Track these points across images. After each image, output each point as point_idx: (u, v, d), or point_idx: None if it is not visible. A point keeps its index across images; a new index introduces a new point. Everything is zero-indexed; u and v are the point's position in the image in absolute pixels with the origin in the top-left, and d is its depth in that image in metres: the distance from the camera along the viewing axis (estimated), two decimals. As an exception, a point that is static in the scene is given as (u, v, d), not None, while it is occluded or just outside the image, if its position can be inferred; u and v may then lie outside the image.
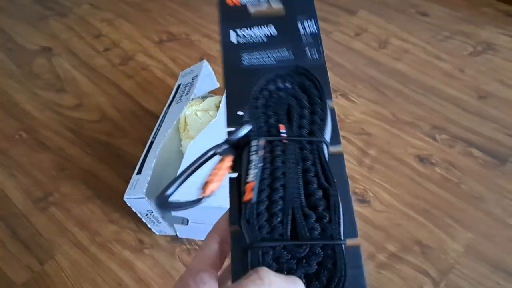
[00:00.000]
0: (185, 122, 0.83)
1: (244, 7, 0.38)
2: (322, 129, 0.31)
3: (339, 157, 0.31)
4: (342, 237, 0.26)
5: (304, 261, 0.26)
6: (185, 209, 0.28)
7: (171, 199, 0.28)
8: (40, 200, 0.86)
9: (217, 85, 0.91)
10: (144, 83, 1.09)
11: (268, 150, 0.30)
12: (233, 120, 0.32)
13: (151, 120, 0.98)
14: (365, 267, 0.27)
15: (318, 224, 0.27)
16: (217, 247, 0.28)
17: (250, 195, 0.27)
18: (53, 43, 1.23)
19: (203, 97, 0.89)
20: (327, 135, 0.31)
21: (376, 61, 1.10)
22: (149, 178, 0.68)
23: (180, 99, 0.83)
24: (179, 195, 0.28)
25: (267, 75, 0.33)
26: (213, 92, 0.93)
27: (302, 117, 0.32)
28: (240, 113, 0.32)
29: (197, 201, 0.28)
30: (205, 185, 0.28)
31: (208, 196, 0.28)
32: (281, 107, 0.32)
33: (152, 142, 0.77)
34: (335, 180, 0.28)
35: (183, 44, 1.19)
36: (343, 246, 0.26)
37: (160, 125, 0.80)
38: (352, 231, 0.28)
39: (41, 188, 0.88)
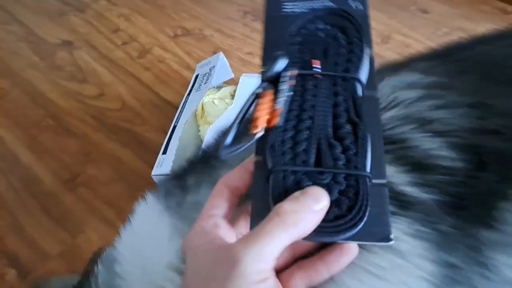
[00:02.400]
0: (202, 109, 0.90)
1: None
2: (357, 68, 0.31)
3: (374, 100, 0.30)
4: (366, 169, 0.26)
5: (326, 189, 0.25)
6: (243, 148, 0.28)
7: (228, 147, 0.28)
8: (68, 181, 0.93)
9: (232, 75, 0.98)
10: (162, 75, 1.15)
11: (300, 83, 0.30)
12: (268, 61, 0.32)
13: (169, 109, 1.05)
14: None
15: (343, 155, 0.27)
16: (227, 194, 0.29)
17: (276, 120, 0.28)
18: (74, 37, 1.30)
19: (218, 87, 0.96)
20: (363, 76, 0.31)
21: (380, 55, 1.17)
22: (174, 157, 0.75)
23: (199, 87, 0.90)
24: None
25: (307, 14, 0.33)
26: (227, 83, 1.00)
27: (338, 55, 0.31)
28: (278, 53, 0.32)
29: (252, 138, 0.28)
30: (254, 121, 0.28)
31: (260, 131, 0.28)
32: (318, 45, 0.32)
33: (175, 126, 0.84)
34: (364, 114, 0.28)
35: (196, 39, 1.26)
36: (367, 179, 0.26)
37: (181, 111, 0.88)
38: (379, 173, 0.27)
39: (69, 170, 0.95)
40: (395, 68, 0.36)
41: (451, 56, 0.39)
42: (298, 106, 0.29)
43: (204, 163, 0.38)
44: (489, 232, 0.29)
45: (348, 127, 0.28)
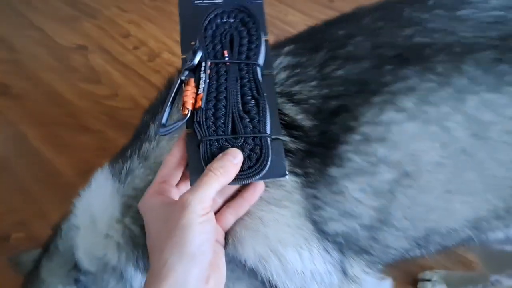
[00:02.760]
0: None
1: None
2: (256, 55, 0.39)
3: (270, 77, 0.40)
4: (267, 132, 0.36)
5: (240, 148, 0.35)
6: (177, 126, 0.36)
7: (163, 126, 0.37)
8: (87, 173, 1.02)
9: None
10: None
11: (215, 70, 0.38)
12: (186, 49, 0.40)
13: (178, 108, 1.14)
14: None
15: (250, 123, 0.36)
16: (179, 156, 0.38)
17: (199, 103, 0.36)
18: (87, 41, 1.39)
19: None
20: (261, 60, 0.40)
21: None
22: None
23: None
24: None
25: (214, 10, 0.41)
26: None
27: (241, 45, 0.40)
28: (192, 43, 0.40)
29: (183, 118, 0.36)
30: (183, 105, 0.36)
31: (188, 113, 0.36)
32: (225, 36, 0.40)
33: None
34: (265, 94, 0.38)
35: (202, 44, 1.36)
36: (268, 138, 0.36)
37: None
38: (277, 130, 0.37)
39: (86, 163, 1.04)
40: (276, 52, 0.46)
41: (309, 38, 0.49)
42: (215, 89, 0.38)
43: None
44: (336, 169, 0.40)
45: (252, 102, 0.37)
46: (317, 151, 0.41)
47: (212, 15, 0.40)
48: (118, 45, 1.37)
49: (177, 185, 0.39)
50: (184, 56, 0.40)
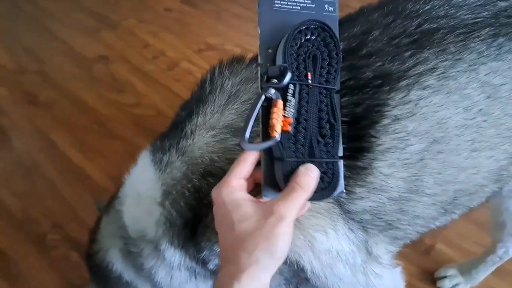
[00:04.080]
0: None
1: None
2: (335, 79, 0.40)
3: (338, 96, 0.41)
4: (338, 156, 0.39)
5: None
6: (265, 146, 0.37)
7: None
8: (115, 178, 1.07)
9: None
10: (191, 85, 1.30)
11: (297, 90, 0.39)
12: (265, 56, 0.40)
13: (200, 115, 1.20)
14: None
15: (325, 147, 0.39)
16: (255, 158, 0.39)
17: (287, 127, 0.37)
18: (108, 52, 1.45)
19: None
20: (338, 83, 0.41)
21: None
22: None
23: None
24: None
25: (298, 25, 0.39)
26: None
27: (322, 67, 0.40)
28: (270, 50, 0.40)
29: (273, 140, 0.37)
30: (271, 127, 0.37)
31: (278, 135, 0.37)
32: (308, 56, 0.40)
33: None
34: (339, 118, 0.39)
35: (219, 53, 1.41)
36: (339, 163, 0.39)
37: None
38: (341, 151, 0.40)
39: (115, 168, 1.10)
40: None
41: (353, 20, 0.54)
42: (297, 110, 0.39)
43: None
44: (365, 154, 0.46)
45: (327, 126, 0.39)
46: (344, 145, 0.45)
47: (296, 31, 0.40)
48: (138, 55, 1.43)
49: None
50: (261, 63, 0.40)
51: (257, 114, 0.38)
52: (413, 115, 0.46)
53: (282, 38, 0.40)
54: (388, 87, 0.47)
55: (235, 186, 0.38)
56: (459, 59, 0.48)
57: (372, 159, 0.46)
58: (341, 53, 0.41)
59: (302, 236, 0.46)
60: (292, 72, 0.39)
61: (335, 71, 0.40)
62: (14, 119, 1.24)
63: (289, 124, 0.37)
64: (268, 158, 0.39)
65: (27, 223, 1.01)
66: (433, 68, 0.47)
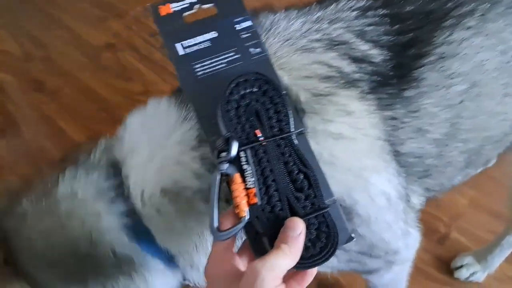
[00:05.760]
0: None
1: (176, 13, 0.41)
2: (288, 124, 0.36)
3: (303, 136, 0.37)
4: (325, 204, 0.34)
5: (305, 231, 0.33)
6: (237, 230, 0.33)
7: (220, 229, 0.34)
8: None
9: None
10: (199, 74, 1.29)
11: (253, 153, 0.35)
12: (209, 129, 0.36)
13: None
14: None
15: (307, 201, 0.34)
16: (231, 247, 0.34)
17: (253, 199, 0.33)
18: (116, 40, 1.44)
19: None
20: (292, 125, 0.36)
21: None
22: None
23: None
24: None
25: (227, 87, 0.36)
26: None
27: (269, 118, 0.36)
28: (214, 121, 0.36)
29: (242, 220, 0.33)
30: (237, 207, 0.33)
31: (246, 214, 0.33)
32: (250, 114, 0.36)
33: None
34: (309, 162, 0.35)
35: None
36: (328, 210, 0.34)
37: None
38: (328, 193, 0.35)
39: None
40: None
41: None
42: (260, 174, 0.34)
43: None
44: (413, 90, 0.45)
45: (301, 177, 0.35)
46: (391, 81, 0.45)
47: (228, 94, 0.36)
48: (146, 43, 1.42)
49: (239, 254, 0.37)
50: (211, 140, 0.36)
51: (219, 194, 0.34)
52: (456, 55, 0.47)
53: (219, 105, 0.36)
54: (432, 24, 0.47)
55: (216, 260, 0.35)
56: (497, 2, 0.48)
57: (420, 93, 0.46)
58: (284, 92, 0.37)
59: (356, 178, 0.44)
60: (239, 137, 0.35)
61: (284, 115, 0.36)
62: (21, 106, 1.22)
63: (255, 195, 0.34)
64: (253, 230, 0.34)
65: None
66: (473, 10, 0.48)
